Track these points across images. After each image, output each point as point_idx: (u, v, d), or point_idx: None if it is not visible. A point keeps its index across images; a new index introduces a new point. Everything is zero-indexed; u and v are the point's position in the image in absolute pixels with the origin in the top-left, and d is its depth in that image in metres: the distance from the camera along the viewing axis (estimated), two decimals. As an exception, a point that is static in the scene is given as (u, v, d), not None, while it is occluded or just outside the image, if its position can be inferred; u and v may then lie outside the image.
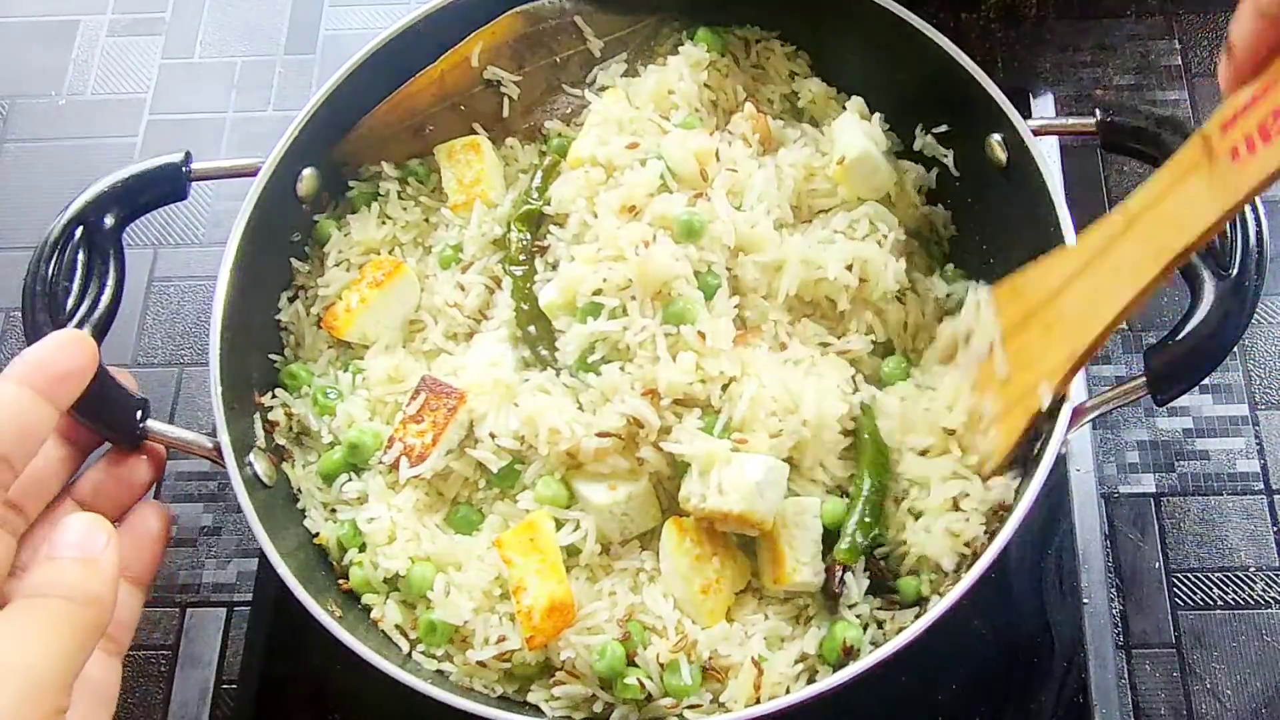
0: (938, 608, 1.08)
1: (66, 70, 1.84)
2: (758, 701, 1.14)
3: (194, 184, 1.33)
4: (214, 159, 1.35)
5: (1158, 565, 1.38)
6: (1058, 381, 1.12)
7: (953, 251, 1.41)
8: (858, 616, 1.19)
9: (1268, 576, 1.37)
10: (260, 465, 1.25)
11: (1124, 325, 1.51)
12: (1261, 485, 1.42)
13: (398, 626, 1.23)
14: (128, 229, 1.29)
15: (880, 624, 1.20)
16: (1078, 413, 1.14)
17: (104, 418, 1.17)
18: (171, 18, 1.87)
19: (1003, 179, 1.30)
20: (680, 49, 1.44)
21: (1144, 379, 1.14)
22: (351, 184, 1.45)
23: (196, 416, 1.56)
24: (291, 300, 1.41)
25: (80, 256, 1.24)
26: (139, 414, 1.21)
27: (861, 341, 1.30)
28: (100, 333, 1.22)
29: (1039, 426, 1.15)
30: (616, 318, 1.22)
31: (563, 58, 1.46)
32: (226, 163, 1.35)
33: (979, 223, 1.37)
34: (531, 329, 1.29)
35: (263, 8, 1.87)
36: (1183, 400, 1.39)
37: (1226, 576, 1.37)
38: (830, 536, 1.21)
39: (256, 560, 1.45)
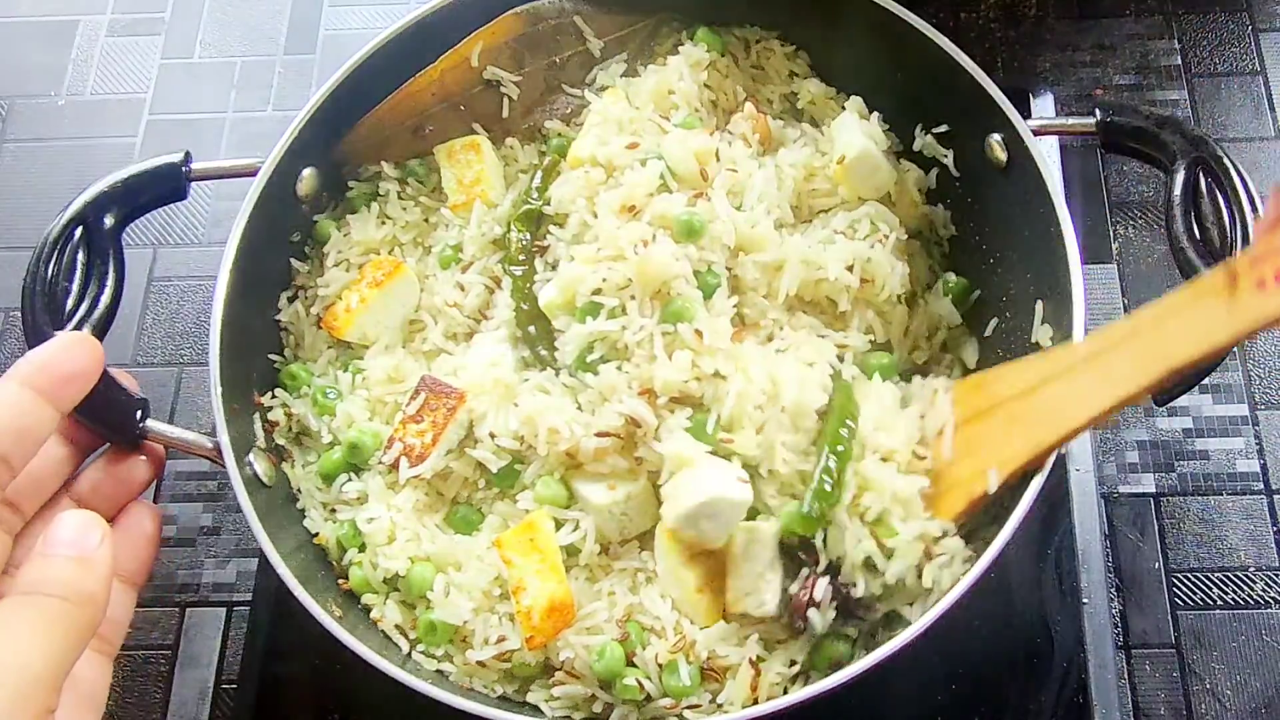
0: (936, 609, 1.07)
1: (66, 70, 1.84)
2: (755, 702, 1.14)
3: (194, 184, 1.34)
4: (214, 159, 1.35)
5: (1158, 565, 1.38)
6: (1010, 471, 1.12)
7: (952, 251, 1.41)
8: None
9: (1268, 576, 1.37)
10: (260, 465, 1.25)
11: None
12: (1261, 485, 1.42)
13: (397, 626, 1.23)
14: (127, 229, 1.29)
15: (873, 634, 1.19)
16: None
17: (104, 418, 1.18)
18: (171, 18, 1.87)
19: (1002, 179, 1.30)
20: (680, 49, 1.44)
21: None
22: (351, 184, 1.45)
23: (196, 416, 1.56)
24: (291, 300, 1.41)
25: (80, 256, 1.24)
26: (139, 414, 1.21)
27: (860, 340, 1.30)
28: (100, 333, 1.22)
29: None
30: (615, 317, 1.22)
31: (562, 58, 1.46)
32: (226, 163, 1.35)
33: (979, 223, 1.37)
34: (531, 329, 1.29)
35: (263, 8, 1.87)
36: (1182, 400, 1.39)
37: (1226, 576, 1.37)
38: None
39: (256, 560, 1.45)
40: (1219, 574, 1.37)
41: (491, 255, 1.37)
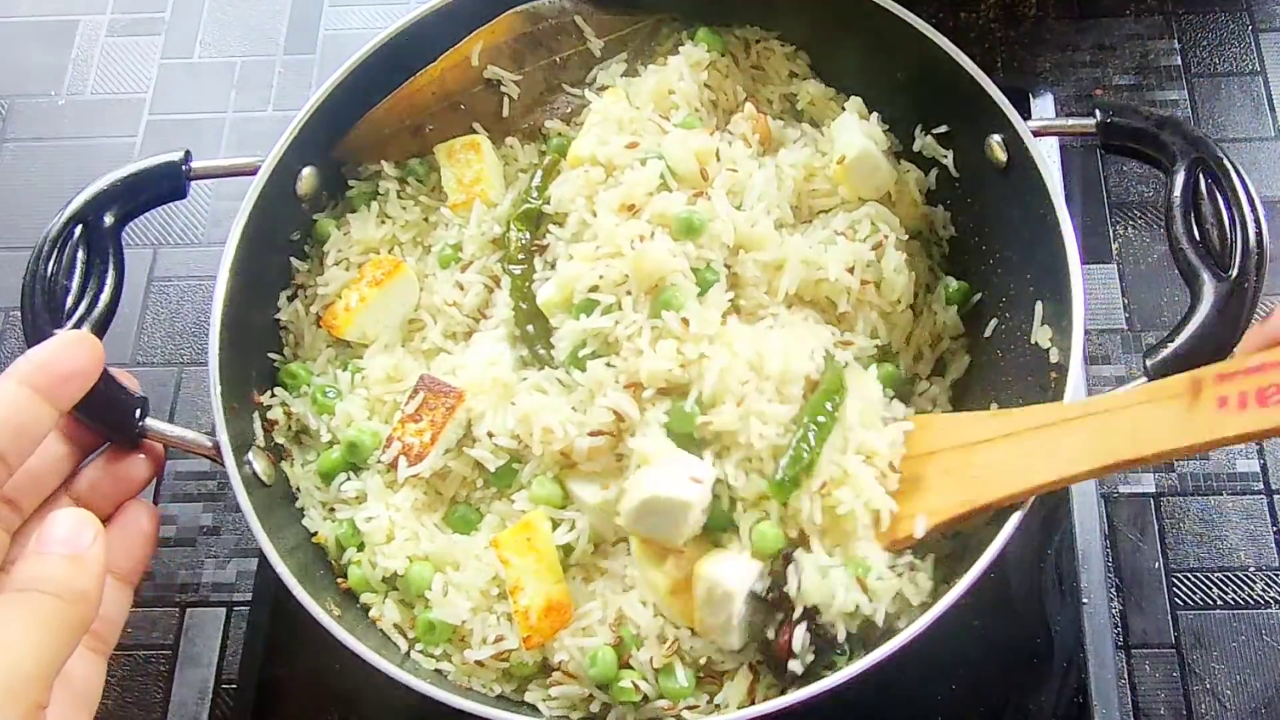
0: (935, 609, 1.07)
1: (66, 70, 1.84)
2: (752, 703, 1.14)
3: (193, 183, 1.34)
4: (213, 159, 1.35)
5: (1157, 565, 1.38)
6: (938, 523, 1.12)
7: (952, 252, 1.41)
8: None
9: (1268, 576, 1.37)
10: (259, 464, 1.25)
11: (1124, 325, 1.51)
12: (1261, 485, 1.41)
13: (396, 625, 1.23)
14: (127, 228, 1.29)
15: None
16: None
17: (103, 416, 1.18)
18: (171, 18, 1.87)
19: (1002, 180, 1.30)
20: (680, 49, 1.44)
21: (1143, 381, 1.13)
22: (351, 183, 1.45)
23: (196, 416, 1.56)
24: (291, 299, 1.41)
25: (80, 255, 1.24)
26: (138, 413, 1.21)
27: (865, 342, 1.30)
28: (100, 331, 1.21)
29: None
30: (611, 313, 1.21)
31: (563, 57, 1.46)
32: (226, 161, 1.35)
33: (978, 223, 1.37)
34: (530, 328, 1.29)
35: (263, 8, 1.87)
36: (1183, 400, 1.39)
37: (1226, 576, 1.37)
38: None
39: (256, 560, 1.45)
40: (1219, 574, 1.37)
41: (491, 254, 1.37)
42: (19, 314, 1.21)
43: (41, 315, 1.20)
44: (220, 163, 1.35)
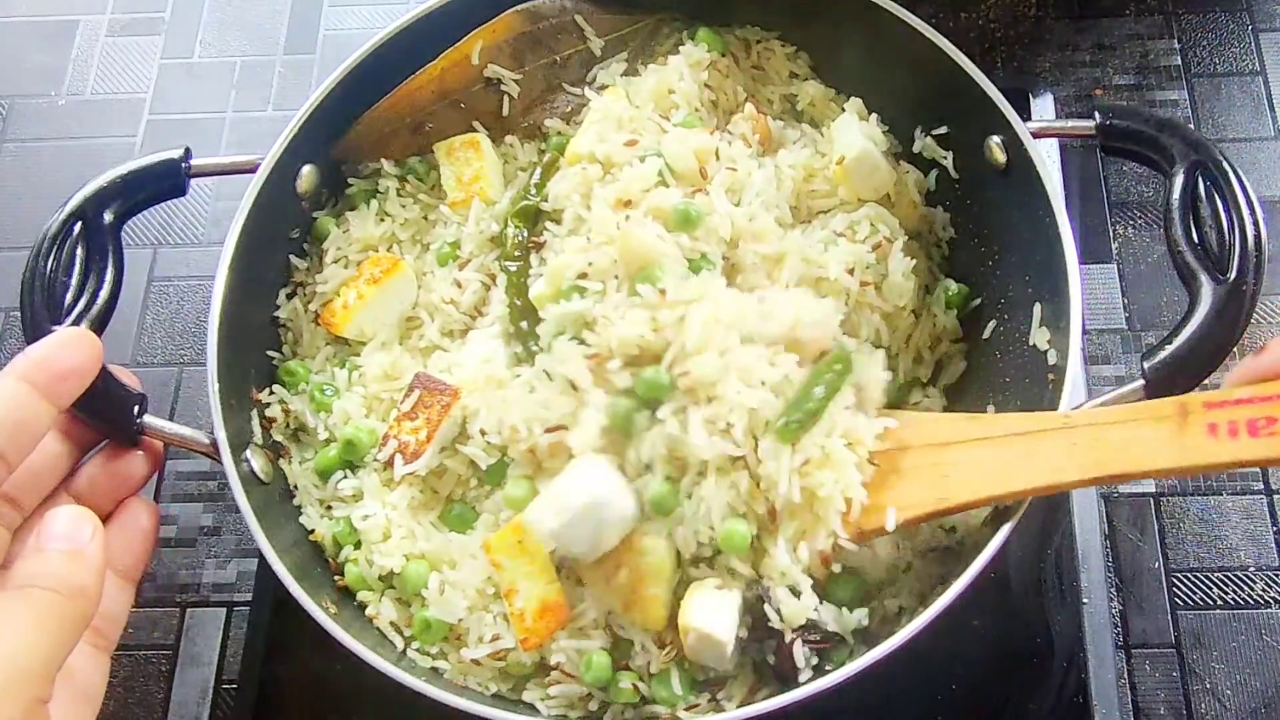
0: (933, 608, 1.07)
1: (66, 70, 1.84)
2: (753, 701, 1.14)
3: (194, 183, 1.34)
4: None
5: (1157, 565, 1.38)
6: (909, 518, 1.11)
7: (952, 254, 1.41)
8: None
9: (1268, 576, 1.36)
10: (257, 462, 1.25)
11: (1124, 325, 1.51)
12: (1261, 485, 1.41)
13: (392, 624, 1.23)
14: (127, 227, 1.29)
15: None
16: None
17: (101, 413, 1.18)
18: (171, 17, 1.87)
19: (1002, 181, 1.29)
20: (680, 49, 1.44)
21: (1142, 382, 1.13)
22: (350, 181, 1.45)
23: (196, 416, 1.56)
24: (290, 297, 1.41)
25: (79, 252, 1.24)
26: (136, 409, 1.21)
27: (868, 349, 1.29)
28: (99, 328, 1.22)
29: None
30: (589, 296, 1.20)
31: (563, 56, 1.46)
32: (226, 159, 1.36)
33: (978, 225, 1.37)
34: (524, 324, 1.28)
35: (262, 8, 1.87)
36: (1183, 400, 1.39)
37: (1226, 576, 1.37)
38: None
39: (256, 560, 1.45)
40: (1219, 574, 1.37)
41: (489, 252, 1.37)
42: (18, 314, 1.21)
43: (41, 312, 1.20)
44: (220, 160, 1.35)
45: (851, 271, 1.28)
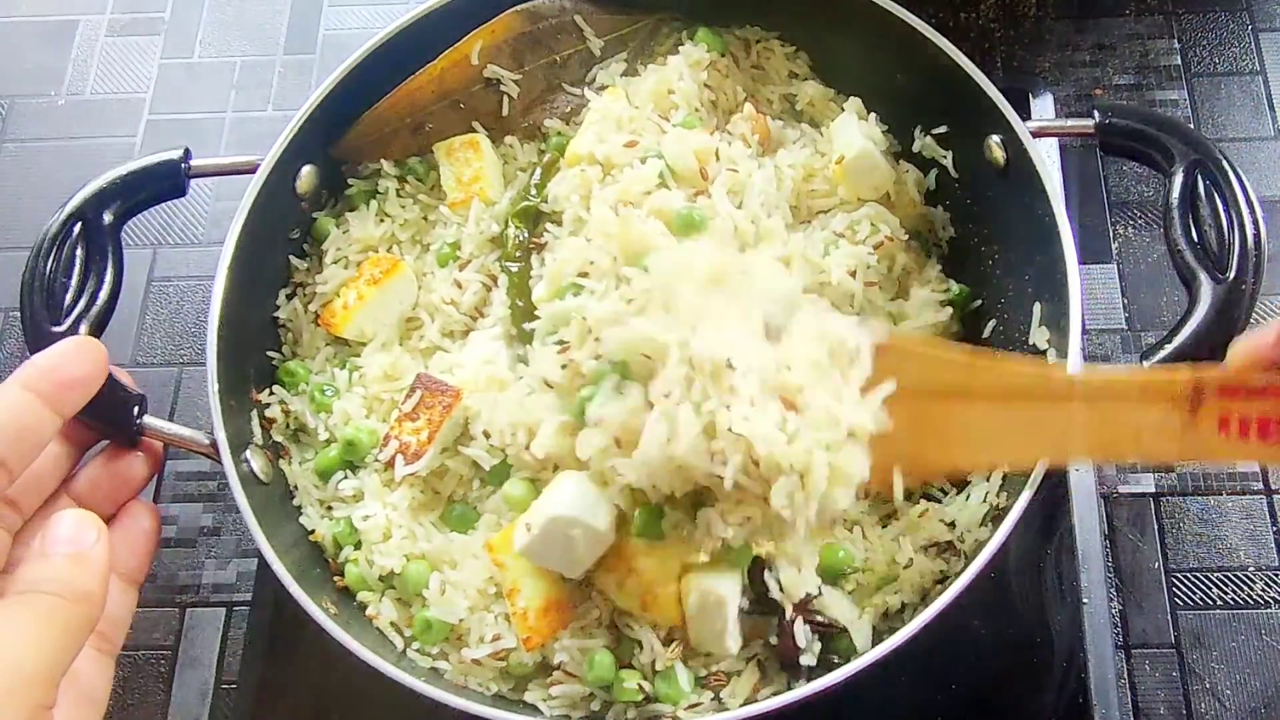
0: (934, 607, 1.07)
1: (66, 70, 1.84)
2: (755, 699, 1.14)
3: (193, 184, 1.34)
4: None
5: (1157, 565, 1.38)
6: (914, 478, 1.09)
7: (951, 253, 1.41)
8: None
9: (1267, 576, 1.36)
10: (257, 462, 1.25)
11: (1124, 325, 1.51)
12: (1261, 485, 1.41)
13: (393, 624, 1.23)
14: (127, 228, 1.29)
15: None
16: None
17: (102, 414, 1.17)
18: (171, 17, 1.87)
19: (1001, 181, 1.29)
20: (680, 49, 1.44)
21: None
22: (350, 181, 1.45)
23: (196, 416, 1.55)
24: (290, 297, 1.41)
25: (79, 252, 1.24)
26: (136, 410, 1.21)
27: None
28: (98, 329, 1.22)
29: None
30: (582, 293, 1.19)
31: (562, 57, 1.46)
32: (226, 159, 1.36)
33: (978, 224, 1.37)
34: (526, 326, 1.28)
35: (262, 8, 1.87)
36: (1183, 400, 1.39)
37: (1226, 576, 1.37)
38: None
39: (256, 560, 1.45)
40: (1219, 574, 1.37)
41: (489, 253, 1.37)
42: (18, 315, 1.21)
43: (40, 312, 1.20)
44: (220, 161, 1.35)
45: (854, 274, 1.28)
